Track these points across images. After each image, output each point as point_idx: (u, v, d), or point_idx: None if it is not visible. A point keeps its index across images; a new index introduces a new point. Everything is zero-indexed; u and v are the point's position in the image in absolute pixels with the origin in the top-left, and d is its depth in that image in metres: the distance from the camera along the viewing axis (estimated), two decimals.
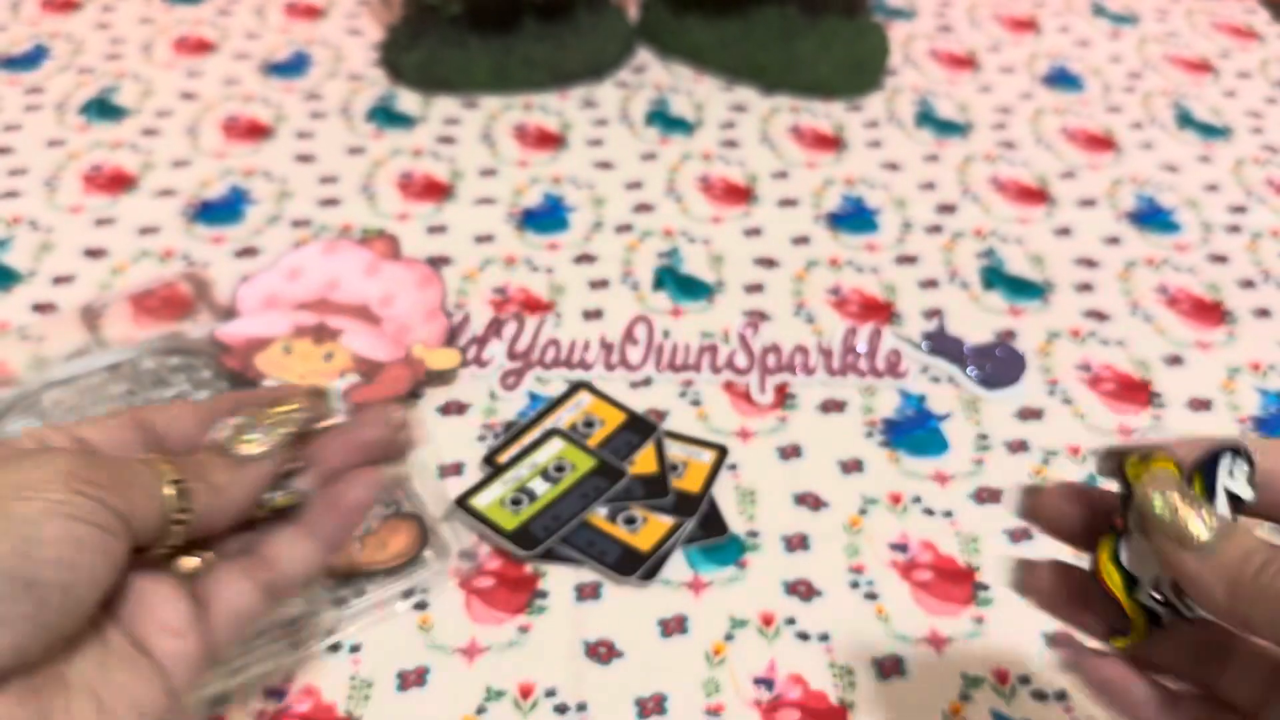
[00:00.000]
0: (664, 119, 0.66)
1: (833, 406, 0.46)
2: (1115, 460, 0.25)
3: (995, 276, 0.55)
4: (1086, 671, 0.25)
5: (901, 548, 0.41)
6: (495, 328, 0.49)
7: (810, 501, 0.42)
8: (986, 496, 0.43)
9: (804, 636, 0.37)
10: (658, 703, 0.35)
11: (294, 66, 0.69)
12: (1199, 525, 0.22)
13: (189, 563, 0.25)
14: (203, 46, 0.71)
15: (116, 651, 0.23)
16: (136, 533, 0.23)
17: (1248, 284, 0.55)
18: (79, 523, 0.21)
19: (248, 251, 0.54)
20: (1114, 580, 0.25)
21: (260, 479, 0.26)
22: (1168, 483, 0.23)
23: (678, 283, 0.53)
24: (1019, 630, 0.38)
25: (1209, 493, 0.23)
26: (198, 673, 0.25)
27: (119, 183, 0.58)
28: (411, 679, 0.36)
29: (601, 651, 0.37)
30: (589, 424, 0.44)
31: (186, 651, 0.24)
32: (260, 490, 0.26)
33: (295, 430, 0.27)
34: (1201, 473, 0.23)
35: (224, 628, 0.26)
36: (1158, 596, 0.24)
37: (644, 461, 0.42)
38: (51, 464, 0.22)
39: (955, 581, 0.39)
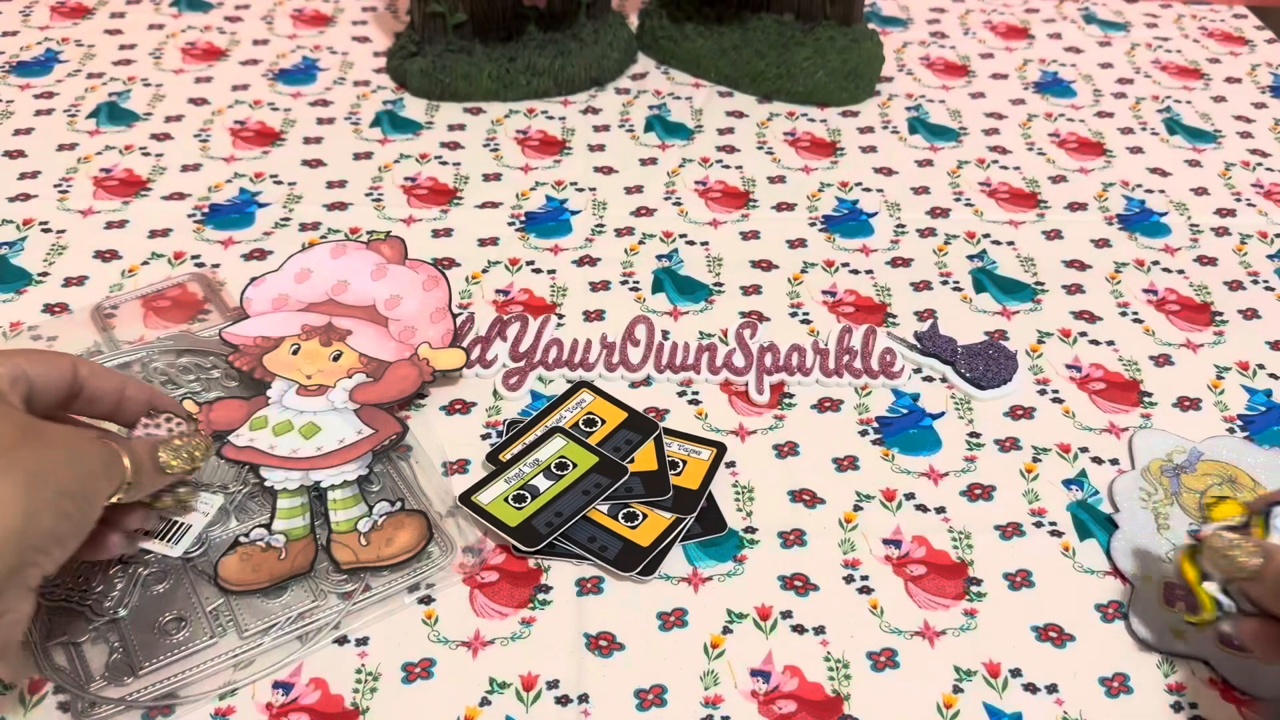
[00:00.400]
0: (663, 125, 0.67)
1: (828, 405, 0.47)
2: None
3: (987, 278, 0.56)
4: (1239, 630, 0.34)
5: (895, 543, 0.42)
6: (499, 328, 0.50)
7: (806, 498, 0.43)
8: (978, 493, 0.44)
9: (800, 630, 0.38)
10: (657, 694, 0.36)
11: (302, 73, 0.71)
12: (1246, 556, 0.32)
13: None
14: (212, 52, 0.72)
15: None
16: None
17: (1236, 285, 0.56)
18: (109, 462, 0.32)
19: (257, 254, 0.55)
20: (1191, 575, 0.36)
21: (162, 486, 0.36)
22: (1229, 522, 0.35)
23: (677, 284, 0.54)
24: (1010, 624, 0.39)
25: (1267, 530, 0.34)
26: None
27: (130, 186, 0.59)
28: (417, 671, 0.37)
29: (603, 644, 0.38)
30: (590, 422, 0.45)
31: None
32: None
33: (203, 462, 0.36)
34: (1264, 515, 0.34)
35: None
36: (1227, 590, 0.35)
37: (644, 459, 0.43)
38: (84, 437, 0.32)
39: (947, 576, 0.40)
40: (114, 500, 0.32)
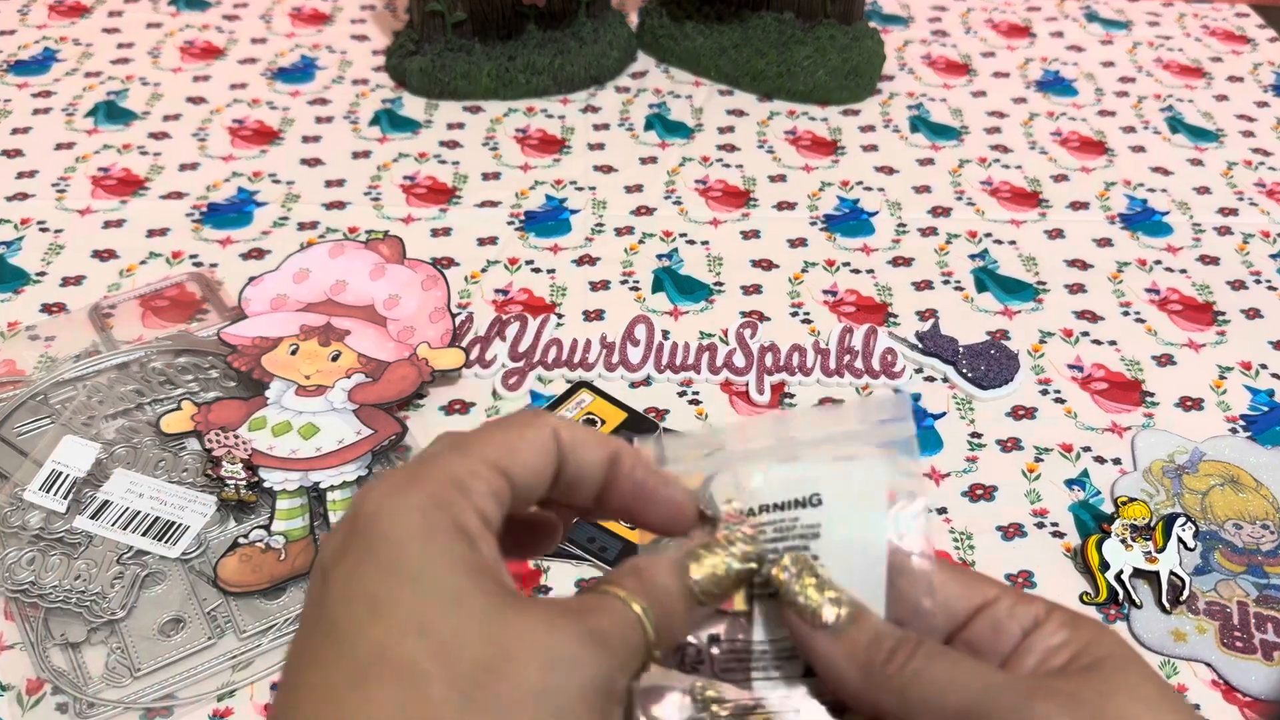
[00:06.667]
0: (663, 124, 0.67)
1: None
2: None
3: (989, 278, 0.56)
4: None
5: None
6: (498, 328, 0.50)
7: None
8: (980, 494, 0.44)
9: None
10: None
11: (300, 71, 0.70)
12: (828, 609, 0.21)
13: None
14: (210, 51, 0.72)
15: None
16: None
17: (1238, 285, 0.56)
18: (619, 649, 0.18)
19: (255, 253, 0.55)
20: (1094, 560, 0.40)
21: (703, 622, 0.21)
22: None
23: (677, 284, 0.54)
24: None
25: (1167, 539, 0.35)
26: None
27: (128, 185, 0.59)
28: None
29: None
30: (590, 423, 0.45)
31: None
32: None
33: (744, 579, 0.21)
34: (1167, 523, 0.36)
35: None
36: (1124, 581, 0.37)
37: None
38: (580, 676, 0.17)
39: None
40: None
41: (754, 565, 0.21)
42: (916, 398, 0.48)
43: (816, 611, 0.20)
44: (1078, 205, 0.62)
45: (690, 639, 0.22)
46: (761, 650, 0.22)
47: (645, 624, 0.19)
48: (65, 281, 0.52)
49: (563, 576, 0.40)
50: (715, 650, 0.22)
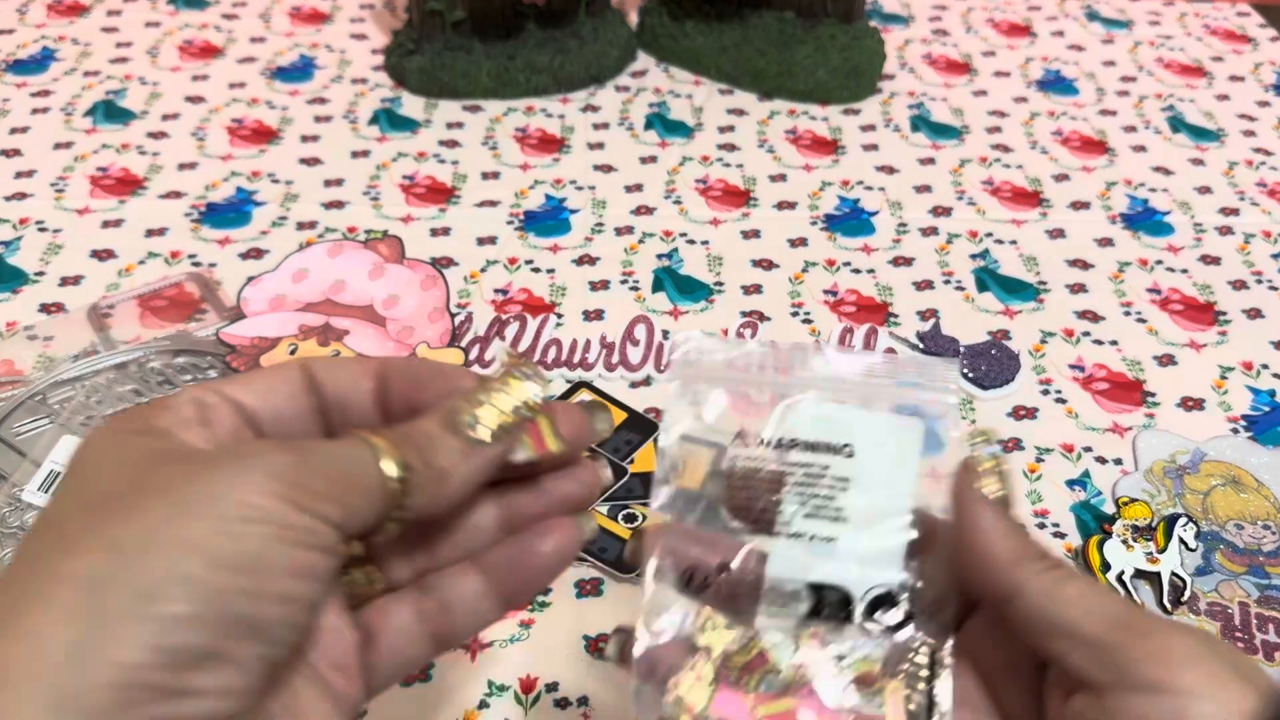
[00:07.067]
0: (663, 123, 0.67)
1: None
2: None
3: (990, 278, 0.55)
4: None
5: None
6: (498, 328, 0.50)
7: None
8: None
9: None
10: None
11: (299, 71, 0.70)
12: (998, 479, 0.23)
13: (367, 582, 0.21)
14: (209, 50, 0.72)
15: (300, 690, 0.19)
16: (350, 541, 0.19)
17: (1239, 285, 0.56)
18: (302, 549, 0.18)
19: (254, 253, 0.54)
20: (1095, 561, 0.39)
21: (490, 467, 0.21)
22: (1134, 522, 0.33)
23: (677, 284, 0.54)
24: None
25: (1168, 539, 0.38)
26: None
27: (126, 185, 0.59)
28: (415, 674, 0.36)
29: (602, 646, 0.37)
30: None
31: (349, 695, 0.20)
32: (486, 479, 0.21)
33: (535, 410, 0.21)
34: (1169, 523, 0.39)
35: (384, 673, 0.21)
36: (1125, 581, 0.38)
37: (643, 459, 0.43)
38: (259, 469, 0.18)
39: None
40: (389, 527, 0.20)
41: (535, 399, 0.22)
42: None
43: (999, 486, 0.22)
44: (1079, 205, 0.61)
45: (699, 564, 0.23)
46: (769, 587, 0.22)
47: (386, 466, 0.19)
48: (64, 281, 0.52)
49: (562, 577, 0.39)
50: (723, 578, 0.22)
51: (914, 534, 0.23)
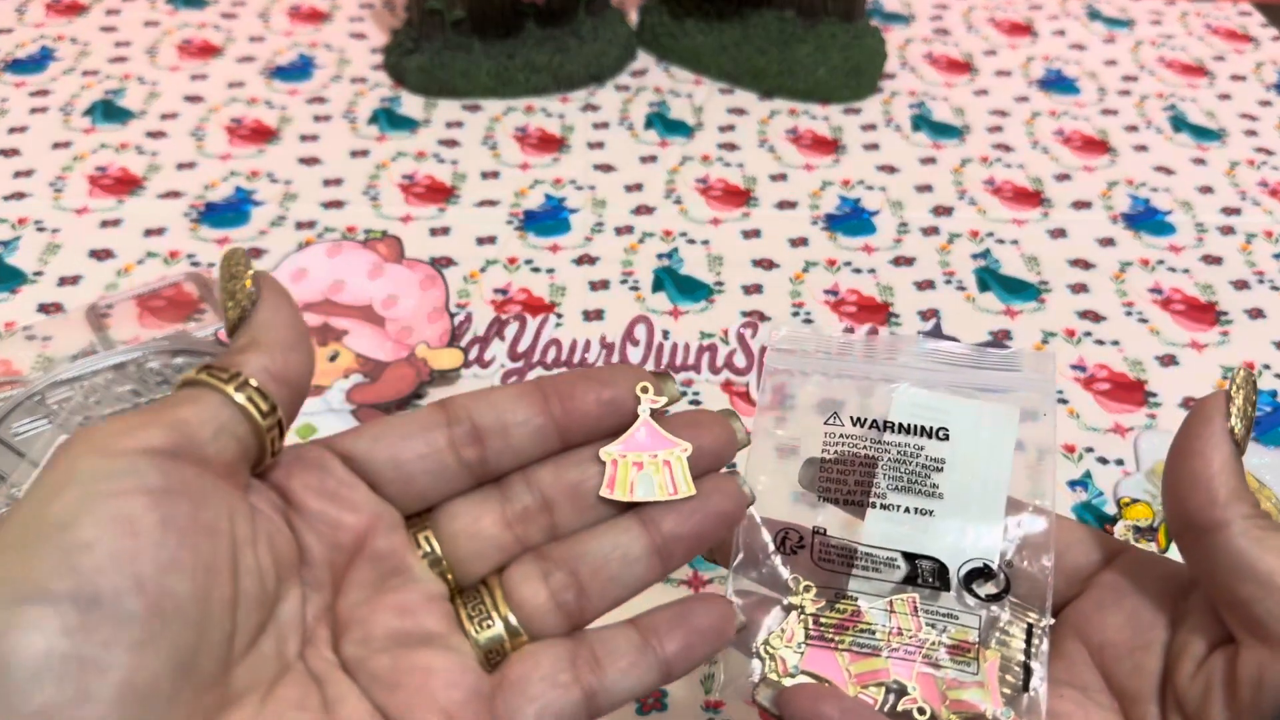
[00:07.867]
0: (664, 122, 0.67)
1: None
2: None
3: (991, 277, 0.55)
4: None
5: None
6: (497, 328, 0.50)
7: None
8: None
9: None
10: (657, 699, 0.36)
11: (298, 70, 0.70)
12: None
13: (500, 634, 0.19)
14: (207, 50, 0.72)
15: None
16: (212, 459, 0.17)
17: (1241, 285, 0.56)
18: (126, 498, 0.16)
19: (252, 253, 0.54)
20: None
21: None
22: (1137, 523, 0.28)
23: (677, 284, 0.54)
24: None
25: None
26: None
27: (125, 184, 0.59)
28: None
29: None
30: None
31: None
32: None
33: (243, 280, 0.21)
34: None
35: None
36: None
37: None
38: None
39: None
40: (275, 427, 0.19)
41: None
42: None
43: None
44: (1080, 204, 0.61)
45: (792, 526, 0.24)
46: (862, 553, 0.23)
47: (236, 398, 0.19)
48: (62, 281, 0.52)
49: None
50: (817, 540, 0.23)
51: (1009, 516, 0.24)
